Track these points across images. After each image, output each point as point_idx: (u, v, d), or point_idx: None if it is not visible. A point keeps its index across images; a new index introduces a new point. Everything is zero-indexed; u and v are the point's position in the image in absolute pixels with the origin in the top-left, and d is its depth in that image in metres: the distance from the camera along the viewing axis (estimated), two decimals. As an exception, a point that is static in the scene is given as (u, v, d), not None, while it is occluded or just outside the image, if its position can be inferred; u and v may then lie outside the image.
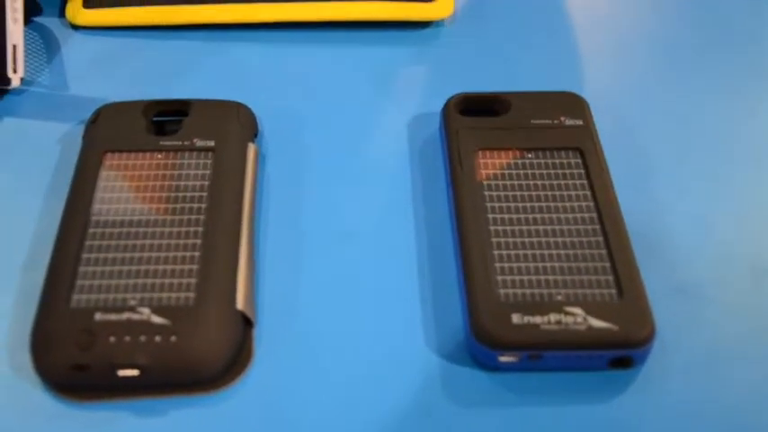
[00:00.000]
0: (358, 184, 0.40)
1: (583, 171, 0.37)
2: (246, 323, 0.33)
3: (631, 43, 0.47)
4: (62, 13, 0.48)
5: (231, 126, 0.39)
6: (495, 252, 0.34)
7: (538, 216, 0.35)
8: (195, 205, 0.36)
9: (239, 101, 0.42)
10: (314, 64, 0.46)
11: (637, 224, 0.38)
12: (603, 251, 0.34)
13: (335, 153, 0.41)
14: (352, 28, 0.47)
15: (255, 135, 0.40)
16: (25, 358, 0.32)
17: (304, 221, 0.38)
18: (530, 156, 0.38)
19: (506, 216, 0.35)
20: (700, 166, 0.40)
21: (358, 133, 0.42)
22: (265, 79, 0.45)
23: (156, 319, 0.31)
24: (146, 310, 0.32)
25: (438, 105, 0.43)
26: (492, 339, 0.32)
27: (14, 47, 0.43)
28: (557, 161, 0.37)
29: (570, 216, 0.35)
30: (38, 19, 0.48)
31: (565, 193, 0.36)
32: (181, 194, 0.36)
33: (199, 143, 0.38)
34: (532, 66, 0.45)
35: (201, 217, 0.35)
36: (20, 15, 0.43)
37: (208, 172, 0.37)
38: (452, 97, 0.41)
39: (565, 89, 0.43)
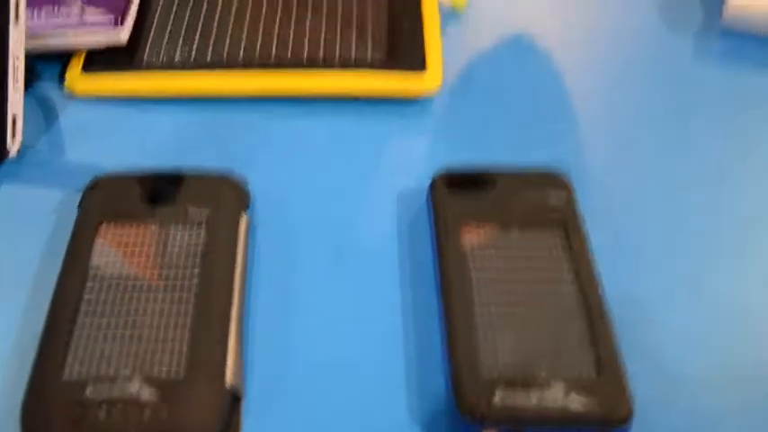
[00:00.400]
0: (346, 256, 0.41)
1: (565, 249, 0.38)
2: (235, 398, 0.34)
3: (616, 121, 0.48)
4: (61, 80, 0.50)
5: (224, 197, 0.40)
6: (480, 327, 0.35)
7: (521, 292, 0.37)
8: (187, 279, 0.37)
9: (232, 170, 0.43)
10: (304, 135, 0.47)
11: (617, 301, 0.39)
12: (584, 329, 0.35)
13: (325, 225, 0.42)
14: (341, 100, 0.49)
15: (247, 206, 0.41)
16: (15, 429, 0.33)
17: (293, 293, 0.39)
18: (514, 232, 0.39)
19: (491, 291, 0.37)
20: (679, 245, 0.42)
21: (347, 205, 0.43)
22: (258, 149, 0.46)
23: (147, 393, 0.32)
24: (136, 384, 0.33)
25: (427, 177, 0.44)
26: (475, 414, 0.33)
27: (14, 116, 0.44)
28: (540, 238, 0.39)
29: (552, 293, 0.37)
30: (37, 85, 0.49)
31: (547, 269, 0.37)
32: (173, 265, 0.37)
33: (192, 214, 0.39)
34: (518, 140, 0.47)
35: (193, 289, 0.36)
36: (21, 84, 0.44)
37: (201, 243, 0.38)
38: (439, 173, 0.42)
39: (549, 164, 0.45)
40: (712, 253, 0.41)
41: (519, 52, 0.52)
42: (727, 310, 0.39)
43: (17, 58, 0.44)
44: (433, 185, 0.41)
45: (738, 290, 0.40)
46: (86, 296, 0.36)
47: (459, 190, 0.41)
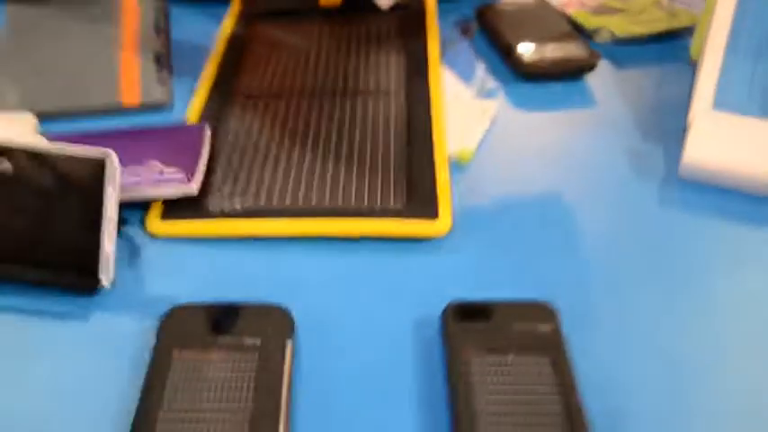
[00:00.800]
0: (372, 374, 0.43)
1: (552, 375, 0.41)
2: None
3: (596, 258, 0.51)
4: (143, 224, 0.53)
5: (272, 327, 0.43)
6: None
7: (516, 412, 0.39)
8: (243, 401, 0.39)
9: (280, 302, 0.46)
10: (337, 269, 0.50)
11: (601, 425, 0.41)
12: (569, 441, 0.37)
13: (353, 346, 0.45)
14: (366, 240, 0.52)
15: (292, 333, 0.44)
16: None
17: (329, 407, 0.42)
18: (509, 358, 0.41)
19: (491, 405, 0.39)
20: (658, 370, 0.44)
21: (373, 330, 0.46)
22: (301, 281, 0.49)
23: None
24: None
25: (439, 305, 0.47)
26: None
27: (107, 257, 0.48)
28: (530, 364, 0.41)
29: (542, 417, 0.39)
30: (124, 229, 0.53)
31: (539, 394, 0.40)
32: (233, 387, 0.40)
33: (247, 342, 0.42)
34: (516, 275, 0.49)
35: (249, 409, 0.39)
36: (113, 233, 0.48)
37: (254, 366, 0.41)
38: (449, 305, 0.45)
39: (543, 296, 0.47)
40: (686, 374, 0.43)
41: (515, 199, 0.55)
42: (706, 420, 0.41)
43: (110, 213, 0.48)
44: (444, 315, 0.44)
45: (712, 409, 0.42)
46: (161, 418, 0.39)
47: (466, 319, 0.44)
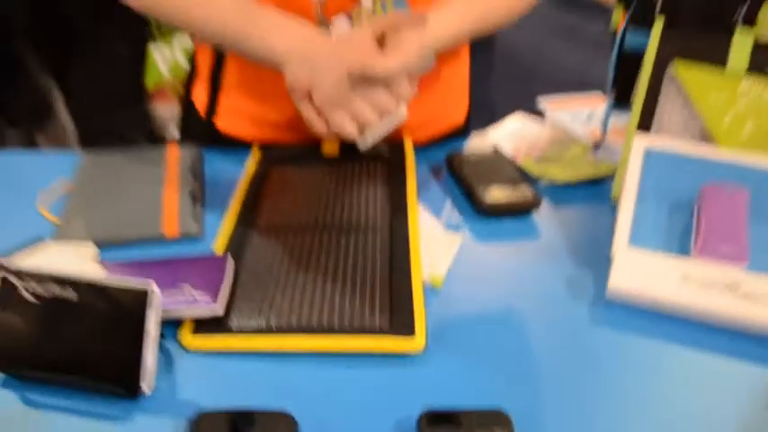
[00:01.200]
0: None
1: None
2: None
3: (543, 368, 0.52)
4: (176, 338, 0.54)
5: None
6: None
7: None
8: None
9: (289, 407, 0.47)
10: (333, 379, 0.51)
11: None
12: None
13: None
14: (357, 354, 0.53)
15: (296, 437, 0.45)
16: None
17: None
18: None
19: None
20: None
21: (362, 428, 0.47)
22: (305, 391, 0.50)
23: None
24: None
25: (416, 410, 0.47)
26: None
27: (149, 367, 0.48)
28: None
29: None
30: (161, 342, 0.54)
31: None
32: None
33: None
34: (478, 384, 0.50)
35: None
36: (153, 347, 0.49)
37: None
38: (422, 414, 0.45)
39: (500, 402, 0.48)
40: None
41: (477, 319, 0.57)
42: None
43: (152, 332, 0.49)
44: (419, 421, 0.45)
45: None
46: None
47: (437, 425, 0.45)
